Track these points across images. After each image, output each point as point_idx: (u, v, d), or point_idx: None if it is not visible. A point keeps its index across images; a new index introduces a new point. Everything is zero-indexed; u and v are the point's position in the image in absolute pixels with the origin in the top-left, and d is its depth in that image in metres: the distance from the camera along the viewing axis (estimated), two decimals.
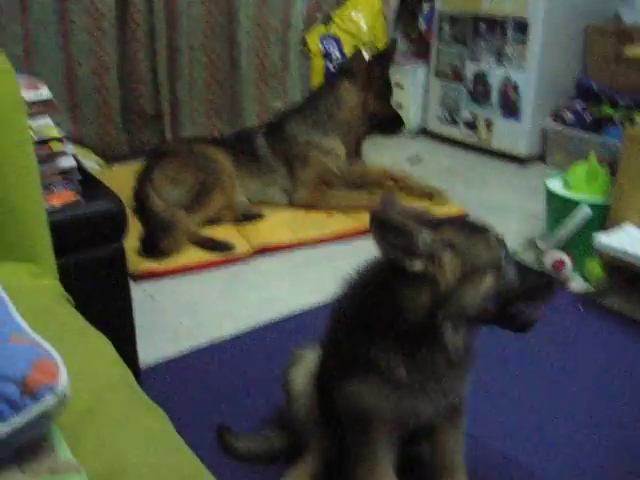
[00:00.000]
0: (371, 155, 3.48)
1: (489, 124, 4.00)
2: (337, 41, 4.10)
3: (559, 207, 2.63)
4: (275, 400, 1.69)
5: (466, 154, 4.09)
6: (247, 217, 3.04)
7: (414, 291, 1.17)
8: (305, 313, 2.35)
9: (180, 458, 0.95)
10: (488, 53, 3.90)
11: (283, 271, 2.71)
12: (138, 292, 2.39)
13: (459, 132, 4.19)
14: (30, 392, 0.77)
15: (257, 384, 1.95)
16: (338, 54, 4.08)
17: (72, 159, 1.64)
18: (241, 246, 2.80)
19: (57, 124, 1.64)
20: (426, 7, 4.32)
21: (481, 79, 3.97)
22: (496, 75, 3.89)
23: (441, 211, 2.97)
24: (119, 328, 1.73)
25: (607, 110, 3.59)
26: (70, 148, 1.65)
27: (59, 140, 1.61)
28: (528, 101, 3.78)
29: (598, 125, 3.59)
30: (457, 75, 4.11)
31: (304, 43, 4.16)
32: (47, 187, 1.58)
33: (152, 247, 2.70)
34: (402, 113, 3.49)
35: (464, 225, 1.25)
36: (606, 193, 2.56)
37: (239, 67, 3.95)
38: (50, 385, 0.79)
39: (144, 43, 3.67)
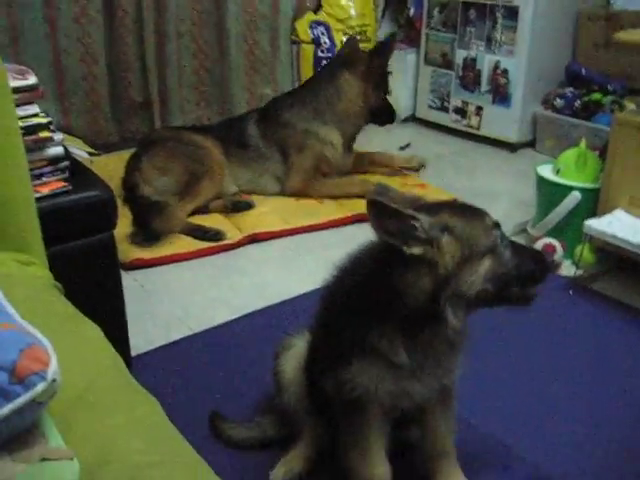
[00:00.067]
0: (361, 141, 3.47)
1: (479, 110, 3.99)
2: (326, 27, 4.08)
3: (549, 193, 2.64)
4: (267, 386, 1.69)
5: (456, 140, 4.09)
6: (237, 207, 3.02)
7: (414, 276, 1.18)
8: (297, 299, 2.35)
9: (172, 445, 0.95)
10: (478, 39, 3.89)
11: (274, 258, 2.71)
12: (129, 281, 2.38)
13: (449, 118, 4.18)
14: (20, 379, 0.77)
15: (249, 370, 1.95)
16: (327, 40, 4.06)
17: (60, 147, 1.63)
18: (232, 234, 2.80)
19: (45, 112, 1.63)
20: None
21: (471, 65, 3.96)
22: (486, 61, 3.88)
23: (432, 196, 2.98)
24: (110, 316, 1.73)
25: (597, 96, 3.60)
26: (58, 136, 1.64)
27: (47, 128, 1.60)
28: (518, 87, 3.77)
29: (588, 111, 3.59)
30: (447, 61, 4.10)
31: (293, 30, 4.14)
32: (36, 175, 1.58)
33: (144, 228, 2.69)
34: (392, 99, 3.48)
35: (461, 209, 1.25)
36: (596, 179, 2.57)
37: (228, 54, 3.92)
38: (40, 372, 0.78)
39: (132, 30, 3.63)
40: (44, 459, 0.78)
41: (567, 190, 2.55)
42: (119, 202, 1.97)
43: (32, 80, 1.59)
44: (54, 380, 0.79)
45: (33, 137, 1.57)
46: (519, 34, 3.68)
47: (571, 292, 2.42)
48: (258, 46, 4.07)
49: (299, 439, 1.60)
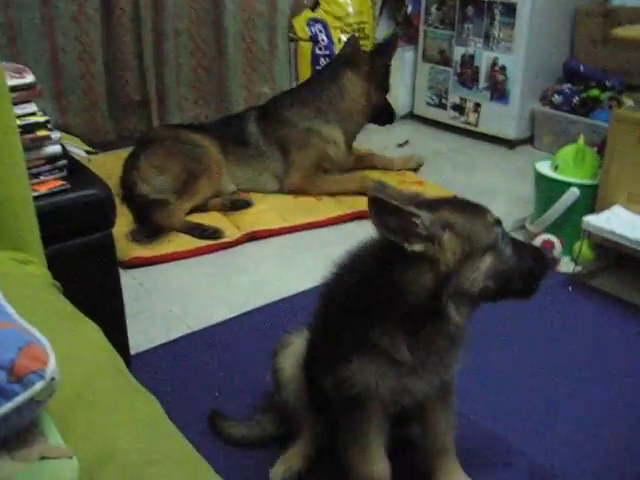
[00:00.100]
0: (360, 139, 3.47)
1: (477, 107, 3.99)
2: (324, 25, 4.08)
3: (548, 189, 2.64)
4: (266, 384, 1.69)
5: (454, 137, 4.09)
6: (235, 205, 3.01)
7: (415, 273, 1.18)
8: (296, 297, 2.35)
9: (171, 443, 0.95)
10: (476, 36, 3.89)
11: (273, 256, 2.71)
12: (127, 280, 2.38)
13: (447, 115, 4.17)
14: (18, 378, 0.77)
15: (248, 368, 1.95)
16: (325, 38, 4.06)
17: (58, 145, 1.63)
18: (230, 232, 2.79)
19: (42, 111, 1.63)
20: None
21: (469, 62, 3.95)
22: (484, 58, 3.88)
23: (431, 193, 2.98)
24: (109, 315, 1.73)
25: (595, 92, 3.59)
26: (56, 134, 1.64)
27: (44, 126, 1.60)
28: (516, 84, 3.77)
29: (586, 107, 3.59)
30: (445, 58, 4.09)
31: (290, 27, 4.14)
32: (34, 174, 1.57)
33: (145, 224, 2.69)
34: (390, 97, 3.48)
35: (462, 205, 1.25)
36: (594, 175, 2.57)
37: (226, 52, 3.92)
38: (39, 371, 0.78)
39: (129, 28, 3.62)
40: (43, 458, 0.78)
41: (565, 186, 2.55)
42: (117, 200, 1.96)
43: (30, 79, 1.59)
44: (53, 379, 0.79)
45: (31, 136, 1.57)
46: (517, 31, 3.68)
47: (570, 288, 2.42)
48: (256, 44, 4.06)
49: (298, 437, 1.60)
